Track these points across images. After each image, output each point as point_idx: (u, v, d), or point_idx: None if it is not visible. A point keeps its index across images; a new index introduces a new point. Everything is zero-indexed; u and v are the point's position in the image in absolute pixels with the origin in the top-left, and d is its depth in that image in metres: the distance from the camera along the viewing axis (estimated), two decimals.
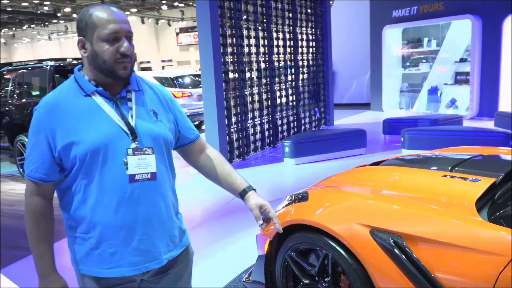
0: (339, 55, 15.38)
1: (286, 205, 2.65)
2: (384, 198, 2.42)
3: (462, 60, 11.53)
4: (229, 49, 7.22)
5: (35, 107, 1.51)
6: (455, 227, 1.93)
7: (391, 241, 2.01)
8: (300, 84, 9.87)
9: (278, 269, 2.59)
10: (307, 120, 10.17)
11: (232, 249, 3.86)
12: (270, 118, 8.59)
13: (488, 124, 9.58)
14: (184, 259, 1.70)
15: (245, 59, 7.73)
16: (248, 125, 7.86)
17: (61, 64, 6.79)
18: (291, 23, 9.30)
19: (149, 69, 31.79)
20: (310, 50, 10.29)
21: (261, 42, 8.21)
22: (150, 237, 1.54)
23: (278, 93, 8.91)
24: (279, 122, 9.00)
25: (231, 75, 7.29)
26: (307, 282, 2.45)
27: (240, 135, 7.58)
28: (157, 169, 1.53)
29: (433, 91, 12.29)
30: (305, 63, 10.09)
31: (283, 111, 9.14)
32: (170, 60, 33.05)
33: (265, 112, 8.43)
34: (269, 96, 8.53)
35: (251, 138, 8.00)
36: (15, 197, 6.10)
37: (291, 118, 9.47)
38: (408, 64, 13.16)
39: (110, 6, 1.52)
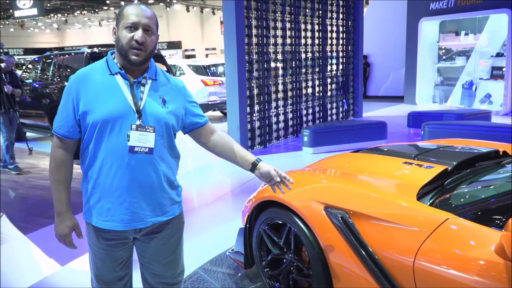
0: (376, 47, 15.31)
1: (265, 184, 2.95)
2: (342, 180, 2.67)
3: (499, 55, 11.27)
4: (254, 40, 7.50)
5: (71, 75, 1.82)
6: (392, 206, 2.17)
7: (339, 216, 2.27)
8: (328, 75, 10.02)
9: (254, 241, 2.90)
10: (334, 111, 10.33)
11: (231, 227, 4.19)
12: (295, 108, 8.83)
13: None
14: (173, 226, 1.94)
15: (271, 49, 7.99)
16: (271, 113, 8.14)
17: (97, 51, 7.30)
18: (320, 15, 9.45)
19: (193, 56, 32.40)
20: (340, 41, 10.39)
21: (288, 33, 8.43)
22: (139, 200, 1.79)
23: (304, 84, 9.12)
24: (304, 112, 9.21)
25: (255, 65, 7.57)
26: (277, 252, 2.74)
27: (262, 123, 7.87)
28: (155, 146, 1.78)
29: (468, 85, 12.07)
30: (334, 54, 10.21)
31: (309, 101, 9.34)
32: (214, 48, 33.53)
33: (289, 101, 8.68)
34: (294, 86, 8.76)
35: (274, 126, 8.28)
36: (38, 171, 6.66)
37: (317, 109, 9.66)
38: (444, 57, 12.96)
39: (142, 5, 1.82)
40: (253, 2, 7.41)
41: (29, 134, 9.19)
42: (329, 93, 10.07)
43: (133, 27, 1.73)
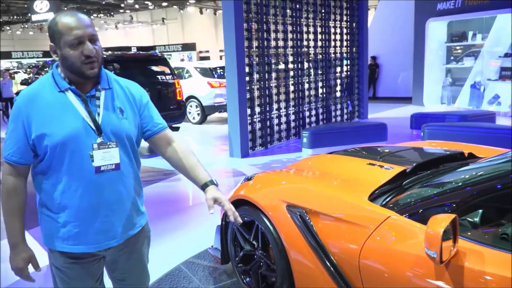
0: (385, 48, 15.31)
1: (244, 181, 3.10)
2: (305, 180, 2.80)
3: (507, 55, 11.18)
4: (255, 43, 7.64)
5: (15, 97, 1.67)
6: (344, 204, 2.29)
7: (298, 214, 2.40)
8: (332, 77, 10.10)
9: (229, 238, 3.04)
10: (338, 112, 10.40)
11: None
12: (297, 110, 8.94)
13: None
14: (141, 237, 1.89)
15: (272, 52, 8.12)
16: (272, 115, 8.26)
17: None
18: (323, 17, 9.54)
19: (207, 58, 32.70)
20: (344, 43, 10.46)
21: (290, 36, 8.55)
22: (110, 219, 1.72)
23: (306, 85, 9.23)
24: (307, 114, 9.31)
25: (256, 68, 7.71)
26: (248, 249, 2.88)
27: (264, 125, 8.01)
28: (121, 160, 1.70)
29: (476, 86, 12.01)
30: (338, 56, 10.28)
31: (312, 103, 9.44)
32: None
33: (291, 103, 8.79)
34: (296, 88, 8.87)
35: (276, 128, 8.41)
36: None
37: (320, 110, 9.75)
38: (451, 58, 12.91)
39: (75, 13, 1.64)
40: (253, 6, 7.55)
41: None
42: (333, 95, 10.15)
43: (79, 42, 1.59)
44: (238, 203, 2.94)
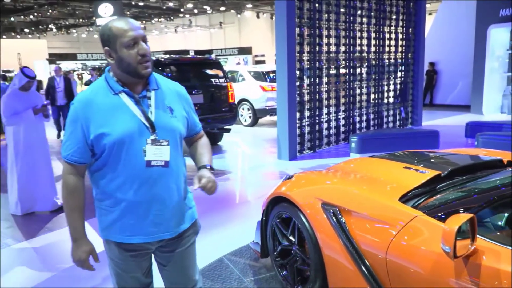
0: (444, 54, 14.92)
1: (284, 179, 3.27)
2: (340, 180, 2.92)
3: None
4: (306, 48, 7.78)
5: (72, 101, 1.80)
6: (375, 204, 2.40)
7: (331, 212, 2.53)
8: (385, 83, 10.03)
9: (268, 233, 3.21)
10: (390, 119, 10.30)
11: None
12: (347, 115, 8.97)
13: None
14: (191, 232, 2.00)
15: (323, 57, 8.22)
16: (322, 119, 8.35)
17: (159, 59, 7.96)
18: (378, 23, 9.51)
19: (263, 62, 33.10)
20: (399, 49, 10.35)
21: (342, 41, 8.61)
22: (163, 212, 1.83)
23: (358, 91, 9.23)
24: (358, 119, 9.32)
25: (306, 72, 7.84)
26: (285, 243, 3.04)
27: (312, 129, 8.12)
28: (170, 158, 1.80)
29: None
30: (392, 61, 10.19)
31: (363, 108, 9.43)
32: None
33: (341, 108, 8.84)
34: (347, 93, 8.91)
35: (325, 132, 8.48)
36: None
37: (371, 116, 9.72)
38: None
39: (124, 17, 1.81)
40: (306, 12, 7.69)
41: None
42: (385, 101, 10.07)
43: (134, 42, 1.72)
44: (278, 200, 3.11)
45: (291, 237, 2.98)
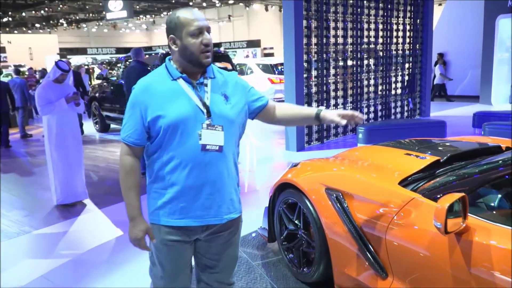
0: (453, 45, 14.88)
1: (290, 167, 3.40)
2: (344, 167, 3.04)
3: None
4: (314, 40, 7.87)
5: (133, 86, 1.88)
6: (376, 188, 2.52)
7: (335, 196, 2.66)
8: (393, 74, 10.08)
9: (275, 218, 3.34)
10: (398, 109, 10.36)
11: None
12: (355, 106, 9.06)
13: None
14: (236, 225, 2.00)
15: (331, 49, 8.30)
16: None
17: (169, 52, 8.09)
18: (385, 14, 9.55)
19: (271, 54, 33.13)
20: (407, 40, 10.38)
21: (350, 33, 8.68)
22: (214, 197, 1.85)
23: (366, 82, 9.31)
24: (365, 110, 9.40)
25: (314, 64, 7.94)
26: (291, 228, 3.17)
27: None
28: (224, 143, 1.83)
29: None
30: (400, 52, 10.23)
31: (370, 99, 9.50)
32: None
33: (349, 99, 8.92)
34: (355, 84, 8.99)
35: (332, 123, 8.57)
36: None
37: (379, 107, 9.79)
38: None
39: (192, 8, 1.87)
40: (313, 4, 7.77)
41: (113, 126, 10.36)
42: (393, 92, 10.13)
43: (199, 32, 1.79)
44: (284, 186, 3.24)
45: (296, 222, 3.11)
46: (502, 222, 1.87)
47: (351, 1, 8.64)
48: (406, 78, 10.55)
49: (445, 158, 2.74)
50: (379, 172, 2.78)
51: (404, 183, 2.55)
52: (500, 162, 2.09)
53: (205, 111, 1.81)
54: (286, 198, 3.19)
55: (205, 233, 1.91)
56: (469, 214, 1.92)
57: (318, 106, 8.12)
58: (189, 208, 1.83)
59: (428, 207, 2.11)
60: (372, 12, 9.22)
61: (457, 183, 2.16)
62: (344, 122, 1.92)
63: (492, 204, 2.07)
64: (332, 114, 1.94)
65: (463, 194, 1.82)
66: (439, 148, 3.07)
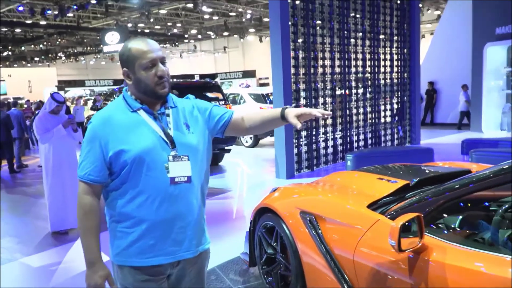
0: (443, 73, 15.19)
1: (268, 194, 3.49)
2: (319, 191, 3.14)
3: None
4: (302, 70, 8.08)
5: (90, 120, 1.94)
6: (345, 211, 2.61)
7: (308, 219, 2.75)
8: (381, 102, 10.28)
9: (255, 242, 3.41)
10: (388, 137, 10.51)
11: None
12: (344, 134, 9.21)
13: None
14: (206, 256, 1.95)
15: (319, 78, 8.51)
16: (319, 139, 8.59)
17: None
18: (372, 44, 9.82)
19: (266, 84, 33.59)
20: (395, 69, 10.63)
21: (337, 62, 8.91)
22: (185, 230, 1.78)
23: (354, 110, 9.49)
24: (355, 138, 9.55)
25: (302, 94, 8.13)
26: (270, 252, 3.24)
27: (310, 148, 8.35)
28: (192, 173, 1.77)
29: None
30: (388, 81, 10.47)
31: (360, 127, 9.67)
32: None
33: (338, 128, 9.08)
34: (343, 113, 9.17)
35: (322, 151, 8.71)
36: None
37: (369, 135, 9.94)
38: None
39: (144, 38, 1.79)
40: (300, 35, 8.01)
41: None
42: (382, 120, 10.30)
43: (153, 64, 1.73)
44: (264, 210, 3.33)
45: (275, 245, 3.18)
46: (460, 243, 1.96)
47: (337, 33, 8.90)
48: (396, 106, 10.75)
49: (414, 182, 2.84)
50: (350, 196, 2.87)
51: (374, 206, 2.64)
52: (457, 185, 2.19)
53: (169, 142, 1.76)
54: (265, 223, 3.26)
55: (176, 268, 1.83)
56: (428, 234, 2.00)
57: (307, 134, 8.26)
58: (160, 245, 1.75)
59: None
60: (359, 42, 9.49)
61: (418, 205, 2.25)
62: (299, 126, 1.77)
63: (452, 225, 2.16)
64: (291, 116, 1.79)
65: (418, 213, 1.91)
66: (411, 172, 3.17)
